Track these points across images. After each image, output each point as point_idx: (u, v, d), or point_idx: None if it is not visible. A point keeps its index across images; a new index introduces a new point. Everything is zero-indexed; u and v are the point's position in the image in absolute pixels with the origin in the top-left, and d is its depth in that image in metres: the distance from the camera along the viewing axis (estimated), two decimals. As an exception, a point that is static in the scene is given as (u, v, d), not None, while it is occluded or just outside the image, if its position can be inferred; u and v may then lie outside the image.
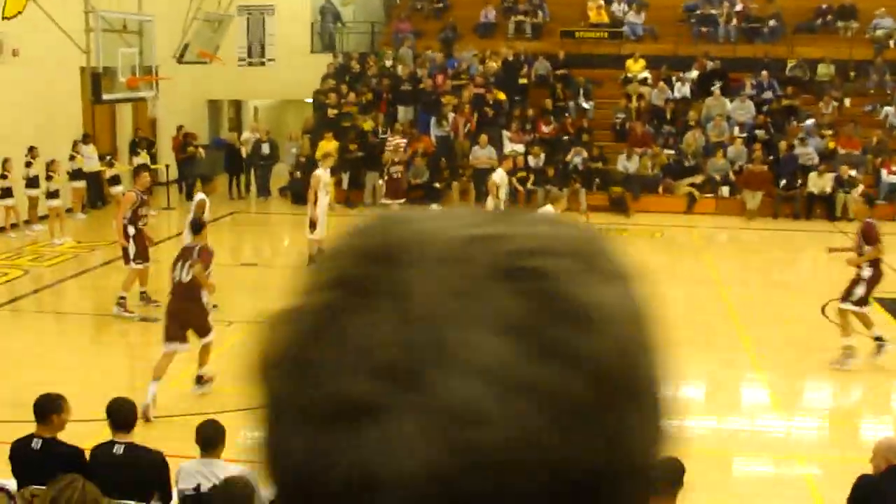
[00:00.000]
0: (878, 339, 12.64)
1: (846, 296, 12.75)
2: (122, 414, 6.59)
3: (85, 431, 7.54)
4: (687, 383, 12.28)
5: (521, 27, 31.22)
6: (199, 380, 11.47)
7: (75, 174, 22.82)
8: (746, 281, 17.68)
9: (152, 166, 25.69)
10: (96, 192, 24.64)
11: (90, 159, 23.70)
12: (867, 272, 12.63)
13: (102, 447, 6.54)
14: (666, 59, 29.12)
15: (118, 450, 6.46)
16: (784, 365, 12.84)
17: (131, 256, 14.91)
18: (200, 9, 24.45)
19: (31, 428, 6.81)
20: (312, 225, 17.88)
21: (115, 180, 23.55)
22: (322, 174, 18.25)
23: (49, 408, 6.59)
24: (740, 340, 14.07)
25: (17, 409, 9.98)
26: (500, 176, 19.45)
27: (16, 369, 12.33)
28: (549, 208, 16.03)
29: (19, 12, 22.28)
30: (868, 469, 6.65)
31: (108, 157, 23.74)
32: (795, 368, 12.62)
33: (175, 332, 11.19)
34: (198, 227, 11.99)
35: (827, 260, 21.17)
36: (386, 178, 24.33)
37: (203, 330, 11.44)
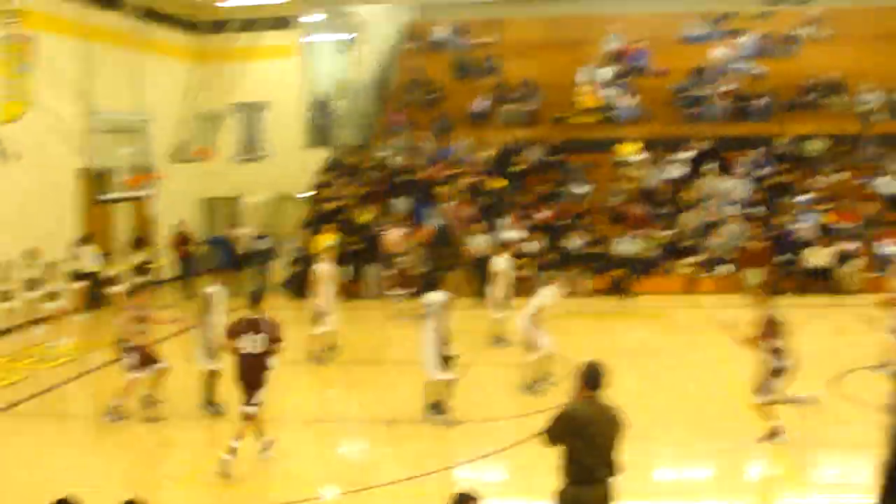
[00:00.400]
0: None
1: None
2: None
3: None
4: (710, 466, 12.15)
5: (513, 115, 31.49)
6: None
7: (75, 275, 22.74)
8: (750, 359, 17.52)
9: (150, 265, 25.75)
10: (95, 293, 24.55)
11: (89, 260, 23.67)
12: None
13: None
14: (658, 140, 29.36)
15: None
16: (800, 441, 12.70)
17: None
18: (196, 107, 24.63)
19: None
20: (315, 319, 17.96)
21: (113, 280, 23.48)
22: (323, 268, 18.23)
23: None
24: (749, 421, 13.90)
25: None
26: (501, 263, 19.38)
27: (17, 472, 12.17)
28: (549, 289, 16.02)
29: (18, 117, 22.39)
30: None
31: (106, 258, 23.71)
32: (812, 445, 12.46)
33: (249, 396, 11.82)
34: (257, 297, 12.28)
35: (830, 333, 21.29)
36: (393, 270, 24.62)
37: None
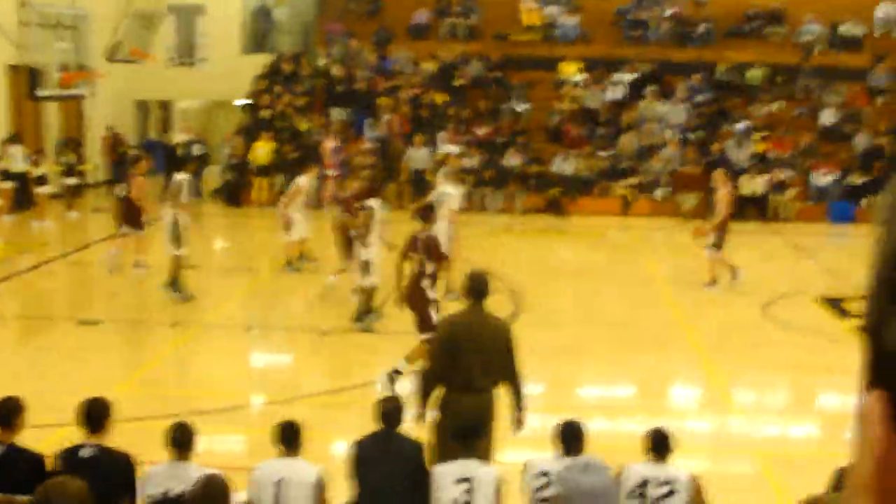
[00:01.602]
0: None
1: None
2: (95, 413, 6.31)
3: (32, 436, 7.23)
4: (644, 382, 12.31)
5: (454, 29, 31.17)
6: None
7: (3, 175, 22.19)
8: (684, 281, 17.76)
9: (80, 167, 25.24)
10: (23, 194, 24.00)
11: (17, 160, 23.08)
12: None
13: (69, 451, 6.26)
14: (599, 61, 29.29)
15: (85, 452, 6.20)
16: (732, 361, 12.91)
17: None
18: (132, 5, 23.98)
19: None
20: (287, 228, 17.80)
21: (41, 180, 22.95)
22: (305, 183, 18.06)
23: (11, 411, 6.31)
24: (687, 340, 14.12)
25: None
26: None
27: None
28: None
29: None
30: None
31: (34, 157, 23.12)
32: (743, 365, 12.67)
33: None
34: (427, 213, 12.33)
35: (761, 259, 21.60)
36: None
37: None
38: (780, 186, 24.87)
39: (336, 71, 28.48)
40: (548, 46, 30.34)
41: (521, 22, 30.92)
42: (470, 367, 7.53)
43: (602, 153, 26.52)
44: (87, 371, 12.07)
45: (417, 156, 24.70)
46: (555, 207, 25.14)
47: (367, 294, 13.91)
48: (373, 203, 14.14)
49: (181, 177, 15.67)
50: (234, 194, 26.20)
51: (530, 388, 12.55)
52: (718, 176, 17.63)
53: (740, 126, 26.68)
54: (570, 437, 6.70)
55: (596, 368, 12.98)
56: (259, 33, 31.98)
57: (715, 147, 26.08)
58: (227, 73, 30.06)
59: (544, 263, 20.12)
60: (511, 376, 7.77)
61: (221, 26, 30.77)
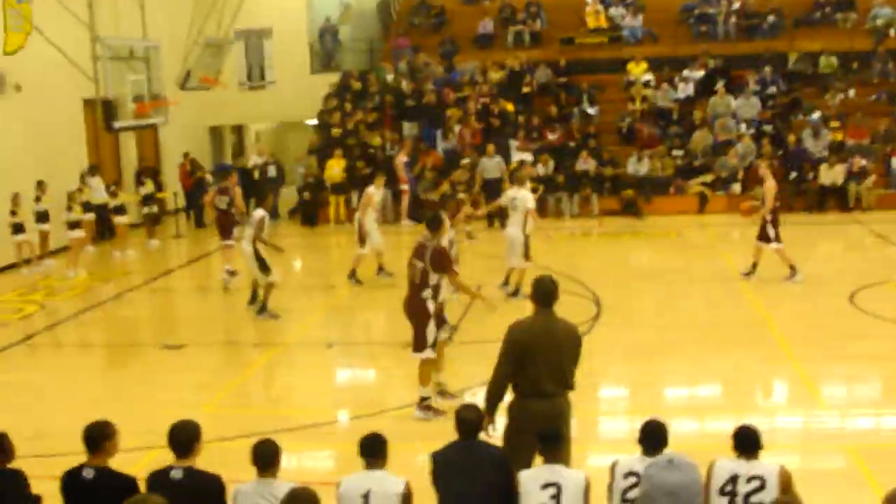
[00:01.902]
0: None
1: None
2: (183, 437, 6.38)
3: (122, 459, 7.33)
4: (731, 380, 12.13)
5: (519, 36, 31.16)
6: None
7: (84, 207, 22.58)
8: (766, 277, 17.50)
9: (158, 195, 25.64)
10: (103, 224, 24.44)
11: (97, 191, 23.53)
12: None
13: (159, 473, 6.33)
14: (667, 60, 29.08)
15: (176, 475, 6.27)
16: (822, 357, 12.68)
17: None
18: (201, 34, 24.34)
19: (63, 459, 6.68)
20: (361, 240, 18.10)
21: (120, 210, 23.34)
22: (375, 191, 18.45)
23: (101, 435, 6.40)
24: (773, 336, 13.89)
25: (45, 441, 9.87)
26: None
27: (38, 402, 12.21)
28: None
29: (21, 47, 22.18)
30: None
31: (112, 187, 23.54)
32: (834, 359, 12.44)
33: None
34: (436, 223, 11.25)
35: (844, 249, 21.22)
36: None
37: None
38: (859, 175, 24.40)
39: (404, 85, 28.61)
40: (615, 48, 30.21)
41: (587, 25, 30.81)
42: (539, 373, 7.48)
43: (676, 152, 26.28)
44: (173, 394, 12.24)
45: (490, 165, 24.66)
46: (631, 209, 24.97)
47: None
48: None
49: (260, 213, 15.75)
50: (310, 214, 26.44)
51: (613, 391, 12.53)
52: (763, 168, 17.58)
53: (815, 116, 26.26)
54: (653, 437, 6.62)
55: (680, 368, 12.80)
56: (326, 53, 32.30)
57: (790, 139, 25.70)
58: (297, 94, 30.44)
59: (623, 265, 19.97)
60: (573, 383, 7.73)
61: (289, 48, 31.18)
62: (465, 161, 25.05)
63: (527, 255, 16.14)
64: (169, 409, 10.86)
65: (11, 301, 18.35)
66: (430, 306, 10.83)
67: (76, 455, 6.58)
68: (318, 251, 24.07)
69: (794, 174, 24.79)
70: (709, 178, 25.38)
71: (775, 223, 16.74)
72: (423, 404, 10.85)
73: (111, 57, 20.46)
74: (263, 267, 15.69)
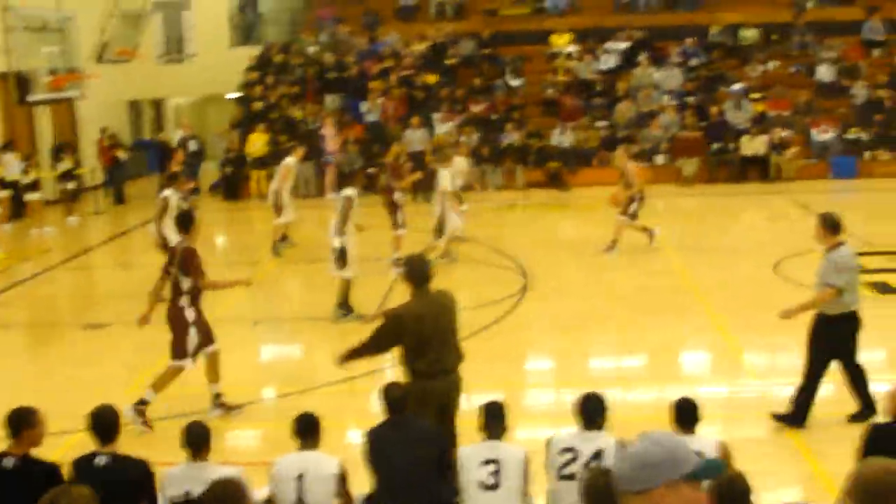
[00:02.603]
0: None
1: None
2: (105, 422, 6.19)
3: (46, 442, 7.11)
4: (659, 350, 12.17)
5: (442, 8, 30.97)
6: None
7: (-1, 183, 22.00)
8: (691, 247, 17.63)
9: (77, 171, 25.06)
10: (17, 201, 23.81)
11: (12, 167, 22.91)
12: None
13: (83, 459, 6.14)
14: (590, 31, 29.08)
15: (100, 461, 6.08)
16: (749, 326, 12.76)
17: None
18: (118, 5, 23.80)
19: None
20: (278, 211, 18.16)
21: (33, 187, 22.72)
22: (292, 162, 18.40)
23: (21, 422, 6.18)
24: (701, 305, 13.98)
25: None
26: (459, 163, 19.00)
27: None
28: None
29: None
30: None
31: (26, 164, 22.91)
32: (760, 328, 12.53)
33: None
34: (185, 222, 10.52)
35: (768, 220, 21.47)
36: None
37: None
38: (780, 146, 24.70)
39: (327, 58, 28.28)
40: (538, 20, 30.15)
41: (510, -4, 30.71)
42: (439, 352, 7.44)
43: (599, 123, 26.33)
44: (96, 375, 11.96)
45: (414, 137, 24.52)
46: (556, 181, 25.00)
47: (345, 285, 13.74)
48: (349, 191, 13.70)
49: (350, 192, 13.83)
50: (232, 188, 26.08)
51: (544, 363, 12.52)
52: (620, 156, 18.26)
53: (737, 87, 26.49)
54: (591, 411, 6.56)
55: (608, 339, 12.84)
56: (247, 25, 31.83)
57: (713, 110, 25.89)
58: (218, 68, 29.95)
59: (549, 237, 19.97)
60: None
61: (208, 20, 30.68)
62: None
63: (440, 232, 16.17)
64: (93, 391, 10.65)
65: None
66: (189, 314, 10.11)
67: (-3, 441, 6.36)
68: (241, 225, 23.75)
69: (716, 145, 25.01)
70: (633, 149, 25.44)
71: (639, 201, 17.37)
72: (138, 406, 9.95)
73: (24, 28, 19.91)
74: (341, 260, 14.07)
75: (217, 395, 10.37)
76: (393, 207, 16.68)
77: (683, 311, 13.67)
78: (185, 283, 10.01)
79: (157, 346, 13.69)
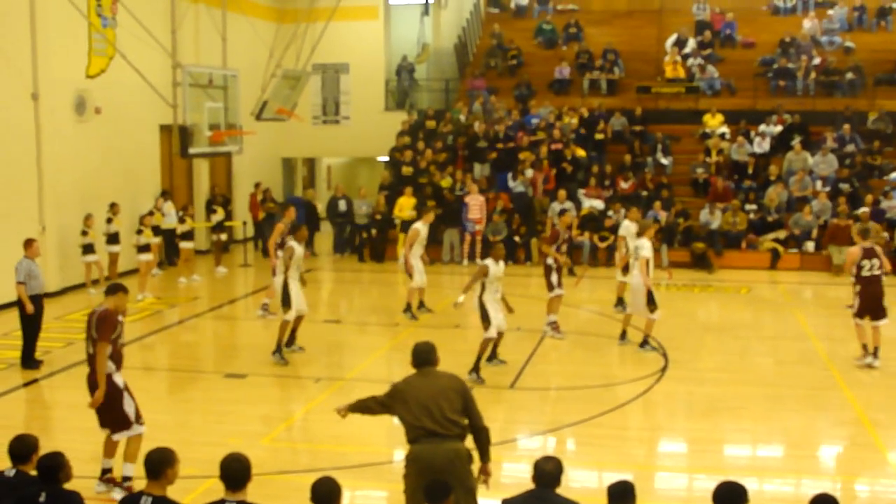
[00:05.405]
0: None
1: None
2: (236, 470, 6.25)
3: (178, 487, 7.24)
4: (799, 442, 11.78)
5: (596, 83, 31.07)
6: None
7: (154, 231, 22.76)
8: (839, 337, 17.09)
9: (228, 223, 25.81)
10: (170, 249, 24.62)
11: (169, 216, 23.76)
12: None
13: (214, 506, 6.23)
14: (744, 113, 28.77)
15: (230, 508, 6.15)
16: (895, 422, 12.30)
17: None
18: (280, 66, 24.55)
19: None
20: (411, 275, 18.61)
21: (188, 236, 23.43)
22: (422, 228, 18.64)
23: (164, 462, 6.32)
24: (846, 397, 13.51)
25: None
26: (626, 229, 19.12)
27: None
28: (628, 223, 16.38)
29: (102, 71, 22.54)
30: None
31: (181, 213, 23.67)
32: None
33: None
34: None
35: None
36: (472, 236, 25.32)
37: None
38: (937, 237, 23.91)
39: (477, 127, 28.58)
40: (691, 99, 29.99)
41: (664, 75, 30.63)
42: (415, 413, 7.62)
43: (749, 206, 25.91)
44: (233, 425, 12.18)
45: (559, 210, 24.48)
46: (702, 261, 24.63)
47: (484, 346, 14.29)
48: (292, 243, 15.33)
49: (488, 261, 14.48)
50: (378, 250, 26.45)
51: (677, 446, 12.25)
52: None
53: (894, 175, 25.78)
54: (728, 499, 6.31)
55: (745, 427, 12.49)
56: (402, 91, 32.41)
57: (867, 198, 25.23)
58: (370, 131, 30.58)
59: (692, 318, 19.64)
60: (475, 426, 7.92)
61: (365, 85, 31.36)
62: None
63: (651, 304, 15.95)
64: (227, 439, 10.84)
65: (78, 320, 18.44)
66: (118, 380, 9.80)
67: (136, 479, 6.51)
68: (384, 287, 23.99)
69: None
70: (782, 234, 24.99)
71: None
72: (106, 477, 9.75)
73: (190, 84, 20.70)
74: (284, 301, 15.38)
75: (105, 471, 9.93)
76: (547, 270, 16.86)
77: (827, 404, 13.23)
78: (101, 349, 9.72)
79: (292, 400, 13.97)
